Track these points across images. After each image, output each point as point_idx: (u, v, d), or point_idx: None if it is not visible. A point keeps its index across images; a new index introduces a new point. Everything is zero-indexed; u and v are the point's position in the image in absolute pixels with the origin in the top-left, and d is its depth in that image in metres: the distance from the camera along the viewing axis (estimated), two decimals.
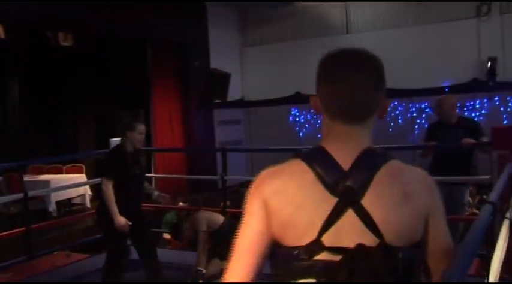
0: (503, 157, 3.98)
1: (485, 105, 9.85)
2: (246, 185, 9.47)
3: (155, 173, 9.65)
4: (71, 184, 8.36)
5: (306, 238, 1.31)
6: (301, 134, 11.80)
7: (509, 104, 9.59)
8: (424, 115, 10.24)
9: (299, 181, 1.36)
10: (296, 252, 1.32)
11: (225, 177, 6.13)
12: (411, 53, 10.28)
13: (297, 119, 11.86)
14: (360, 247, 1.29)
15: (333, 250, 1.30)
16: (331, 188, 1.33)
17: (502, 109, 9.65)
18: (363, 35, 10.96)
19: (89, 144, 11.99)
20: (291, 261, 1.32)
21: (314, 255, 1.30)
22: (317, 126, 11.58)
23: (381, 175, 1.35)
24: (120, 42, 10.07)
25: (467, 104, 9.82)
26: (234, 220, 5.81)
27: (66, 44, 9.01)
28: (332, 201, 1.32)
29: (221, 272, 5.08)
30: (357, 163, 1.35)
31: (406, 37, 10.41)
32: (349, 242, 1.30)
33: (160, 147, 10.23)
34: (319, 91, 1.44)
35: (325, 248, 1.30)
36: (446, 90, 9.96)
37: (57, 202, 8.69)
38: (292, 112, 11.90)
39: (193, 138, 10.29)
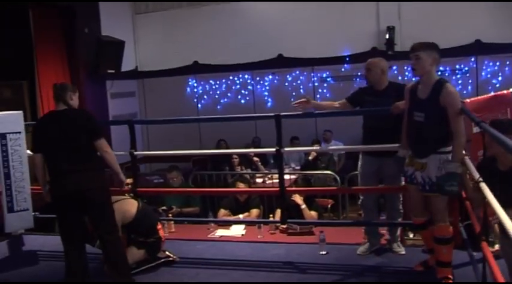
0: None
1: None
2: (144, 161, 8.74)
3: None
4: None
5: None
6: (199, 105, 11.32)
7: (406, 73, 9.78)
8: (325, 85, 10.19)
9: None
10: None
11: (135, 153, 5.41)
12: (311, 22, 10.14)
13: (195, 90, 11.36)
14: None
15: None
16: None
17: (400, 78, 9.82)
18: (260, 3, 10.60)
19: None
20: None
21: None
22: (216, 96, 11.18)
23: None
24: None
25: None
26: (147, 203, 5.28)
27: None
28: None
29: (139, 261, 4.57)
30: None
31: (304, 5, 10.21)
32: None
33: None
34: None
35: None
36: (347, 59, 9.99)
37: None
38: (190, 83, 11.38)
39: None
